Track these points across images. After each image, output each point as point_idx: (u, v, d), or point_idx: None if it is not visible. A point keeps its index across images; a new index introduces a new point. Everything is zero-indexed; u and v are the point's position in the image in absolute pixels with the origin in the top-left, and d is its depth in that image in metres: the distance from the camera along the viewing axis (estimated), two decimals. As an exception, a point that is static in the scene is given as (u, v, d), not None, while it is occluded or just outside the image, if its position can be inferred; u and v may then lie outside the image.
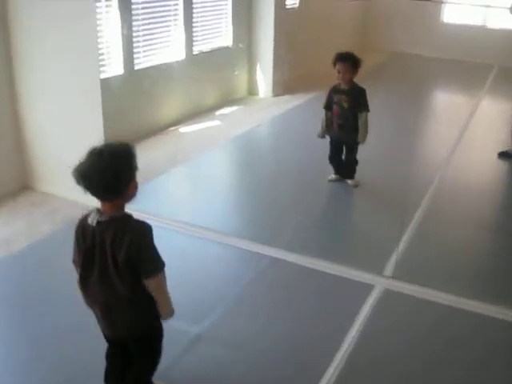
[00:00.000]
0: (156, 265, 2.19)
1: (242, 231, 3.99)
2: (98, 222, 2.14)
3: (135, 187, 2.18)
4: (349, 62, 4.42)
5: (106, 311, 2.25)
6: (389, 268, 3.56)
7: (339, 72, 4.45)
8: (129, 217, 2.19)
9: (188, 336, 2.89)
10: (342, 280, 3.47)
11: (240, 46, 7.04)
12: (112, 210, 2.15)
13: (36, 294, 3.23)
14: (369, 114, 4.51)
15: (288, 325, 3.06)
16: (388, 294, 3.34)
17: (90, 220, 2.16)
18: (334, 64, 4.47)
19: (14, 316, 3.10)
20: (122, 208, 2.20)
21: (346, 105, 4.51)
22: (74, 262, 2.25)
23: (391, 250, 3.71)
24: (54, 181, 4.31)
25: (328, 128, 4.66)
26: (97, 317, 2.30)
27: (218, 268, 3.62)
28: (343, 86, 4.51)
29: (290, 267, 3.59)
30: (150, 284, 2.18)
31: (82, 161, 2.10)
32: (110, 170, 2.07)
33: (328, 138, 4.72)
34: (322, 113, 4.66)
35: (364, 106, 4.50)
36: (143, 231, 2.16)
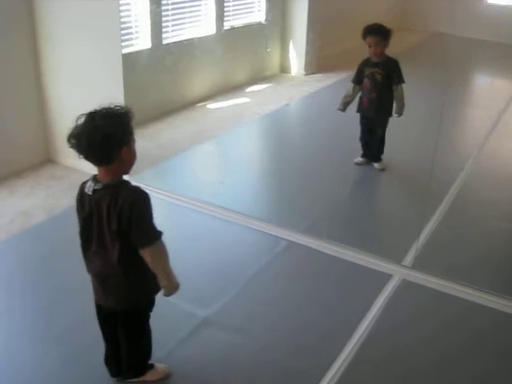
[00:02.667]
0: (150, 235, 2.09)
1: (262, 213, 3.91)
2: (94, 190, 2.08)
3: (131, 153, 2.10)
4: (380, 33, 4.26)
5: (101, 281, 2.20)
6: (409, 258, 3.44)
7: (370, 46, 4.29)
8: (124, 183, 2.11)
9: (194, 319, 2.82)
10: (360, 268, 3.38)
11: (268, 50, 6.93)
12: (108, 177, 2.07)
13: (49, 270, 3.22)
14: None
15: (300, 312, 2.98)
16: (406, 285, 3.23)
17: (86, 188, 2.10)
18: (364, 38, 4.31)
19: (27, 290, 3.08)
20: (119, 175, 2.11)
21: (379, 77, 4.34)
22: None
23: (413, 238, 3.58)
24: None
25: (359, 105, 4.49)
26: (93, 286, 2.26)
27: (233, 250, 3.55)
28: (375, 59, 4.35)
29: (307, 252, 3.51)
30: (145, 255, 2.10)
31: (76, 124, 2.03)
32: (100, 132, 1.98)
33: (355, 117, 4.53)
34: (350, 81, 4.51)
35: (399, 78, 4.33)
36: (137, 199, 2.07)
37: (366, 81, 4.40)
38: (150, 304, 2.32)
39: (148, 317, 2.34)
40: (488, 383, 2.62)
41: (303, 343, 2.76)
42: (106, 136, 1.99)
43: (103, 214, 2.07)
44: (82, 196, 2.13)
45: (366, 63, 4.41)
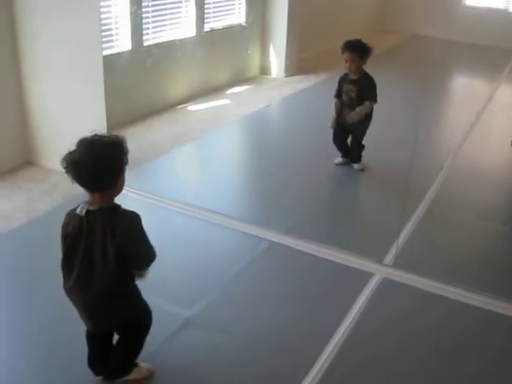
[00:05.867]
0: (150, 257, 2.21)
1: (243, 214, 3.92)
2: (88, 212, 2.11)
3: (123, 181, 2.17)
4: (356, 51, 4.29)
5: (89, 306, 2.21)
6: (389, 256, 3.48)
7: (346, 61, 4.34)
8: (118, 207, 2.17)
9: (177, 320, 2.83)
10: (342, 267, 3.40)
11: (248, 51, 7.00)
12: (101, 201, 2.12)
13: (31, 272, 3.20)
14: (380, 96, 4.38)
15: (282, 312, 2.99)
16: (387, 284, 3.26)
17: (78, 210, 2.12)
18: (342, 52, 4.35)
19: (8, 293, 3.07)
20: (111, 200, 2.17)
21: (353, 95, 4.41)
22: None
23: (394, 237, 3.62)
24: (56, 156, 4.25)
25: (338, 117, 4.54)
26: (81, 314, 2.27)
27: (216, 251, 3.55)
28: (351, 76, 4.41)
29: (289, 252, 3.52)
30: (142, 274, 2.24)
31: (71, 150, 2.07)
32: (102, 162, 2.04)
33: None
34: (333, 97, 4.55)
35: (371, 96, 4.36)
36: (134, 222, 2.14)
37: (344, 96, 4.48)
38: (148, 316, 2.38)
39: (149, 327, 2.41)
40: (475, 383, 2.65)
41: (285, 343, 2.77)
42: (110, 165, 2.06)
43: (97, 235, 2.09)
44: (70, 219, 2.16)
45: (344, 79, 4.47)
